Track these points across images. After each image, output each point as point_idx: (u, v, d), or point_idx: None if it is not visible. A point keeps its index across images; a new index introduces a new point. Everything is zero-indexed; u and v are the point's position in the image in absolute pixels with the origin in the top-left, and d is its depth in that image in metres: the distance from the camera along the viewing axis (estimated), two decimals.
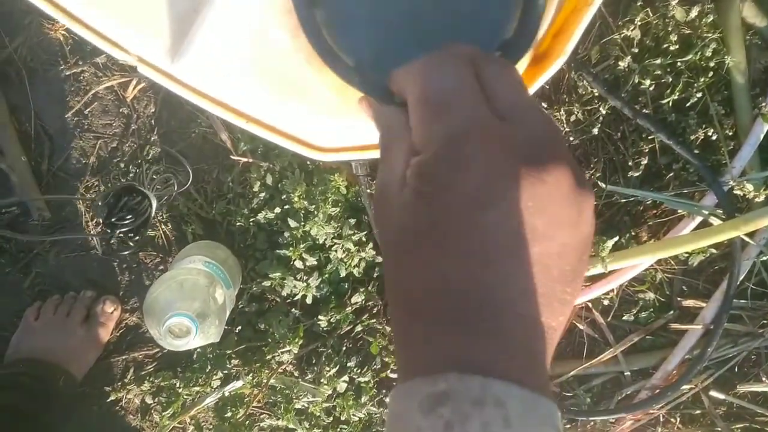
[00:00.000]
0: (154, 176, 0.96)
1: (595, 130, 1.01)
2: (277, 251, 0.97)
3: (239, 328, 1.02)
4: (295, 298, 1.00)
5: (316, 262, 0.97)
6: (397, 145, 0.30)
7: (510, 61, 0.35)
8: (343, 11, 0.36)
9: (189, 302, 0.74)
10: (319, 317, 0.99)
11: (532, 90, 0.41)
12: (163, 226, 1.01)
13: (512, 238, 0.24)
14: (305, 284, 0.96)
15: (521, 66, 0.39)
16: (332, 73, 0.36)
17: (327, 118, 0.41)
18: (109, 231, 0.84)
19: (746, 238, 0.98)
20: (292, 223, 0.93)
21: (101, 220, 0.84)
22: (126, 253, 0.87)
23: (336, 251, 0.95)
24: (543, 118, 0.26)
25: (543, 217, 0.24)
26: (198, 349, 0.99)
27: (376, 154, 0.43)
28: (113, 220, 0.83)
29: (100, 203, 0.85)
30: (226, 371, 1.00)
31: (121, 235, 0.86)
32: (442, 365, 0.24)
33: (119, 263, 1.04)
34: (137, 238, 0.84)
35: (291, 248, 0.95)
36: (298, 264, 0.96)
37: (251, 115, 0.41)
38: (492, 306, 0.24)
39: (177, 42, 0.41)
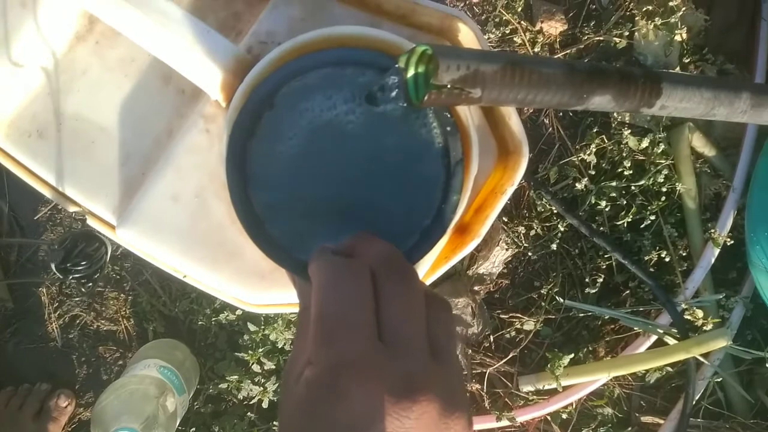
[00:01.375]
0: None
1: (554, 246, 1.04)
2: (237, 353, 0.97)
3: (193, 429, 1.01)
4: (252, 402, 0.99)
5: (274, 366, 0.97)
6: (304, 314, 0.32)
7: (415, 262, 0.38)
8: (272, 195, 0.38)
9: (137, 414, 0.74)
10: (275, 423, 0.98)
11: (450, 264, 0.43)
12: (125, 321, 1.01)
13: None
14: (262, 388, 0.96)
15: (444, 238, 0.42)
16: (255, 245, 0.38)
17: (260, 280, 0.43)
18: (62, 276, 0.84)
19: (701, 358, 0.99)
20: (252, 327, 0.94)
21: (54, 265, 0.84)
22: (77, 299, 0.86)
23: None
24: (420, 349, 0.28)
25: None
26: None
27: None
28: (68, 265, 0.84)
29: (56, 247, 0.85)
30: None
31: (74, 280, 0.86)
32: None
33: (78, 356, 1.03)
34: (90, 284, 0.84)
35: (250, 351, 0.95)
36: (256, 368, 0.96)
37: (188, 273, 0.43)
38: None
39: (123, 203, 0.44)
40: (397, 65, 0.38)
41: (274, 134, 0.38)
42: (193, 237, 0.42)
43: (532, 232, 1.05)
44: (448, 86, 0.35)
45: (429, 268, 0.43)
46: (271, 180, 0.39)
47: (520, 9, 1.06)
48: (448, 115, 0.39)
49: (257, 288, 0.43)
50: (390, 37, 0.40)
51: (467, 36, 0.43)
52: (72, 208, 0.45)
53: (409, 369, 0.27)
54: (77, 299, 1.03)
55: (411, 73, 0.37)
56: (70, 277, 0.84)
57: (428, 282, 0.44)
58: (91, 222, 0.45)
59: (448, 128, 0.39)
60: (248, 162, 0.38)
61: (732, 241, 1.00)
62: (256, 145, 0.38)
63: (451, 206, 0.38)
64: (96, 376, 1.04)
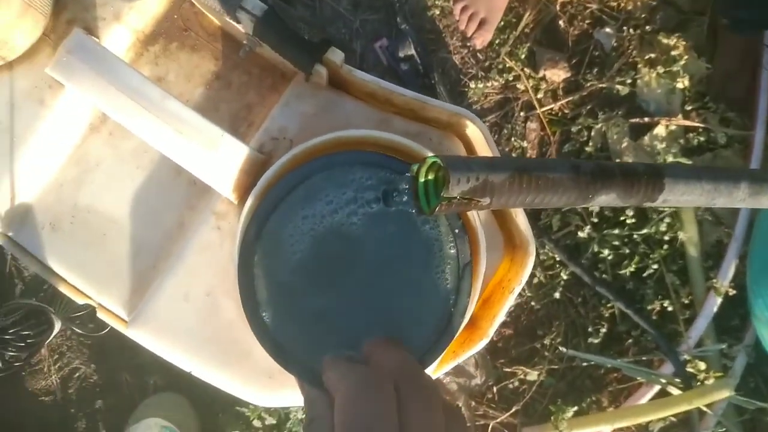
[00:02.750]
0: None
1: (557, 294, 1.04)
2: (237, 407, 0.97)
3: None
4: None
5: (275, 422, 0.96)
6: (318, 424, 0.32)
7: (427, 366, 0.38)
8: (279, 300, 0.38)
9: None
10: None
11: (458, 360, 0.43)
12: (126, 374, 1.00)
13: None
14: None
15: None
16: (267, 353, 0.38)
17: (269, 380, 0.43)
18: None
19: (704, 409, 0.99)
20: None
21: None
22: (2, 374, 0.86)
23: (296, 412, 0.95)
24: None
25: None
26: None
27: None
28: (6, 337, 0.83)
29: (4, 316, 0.84)
30: None
31: (12, 352, 0.85)
32: None
33: (77, 410, 1.02)
34: (25, 356, 0.84)
35: (251, 406, 0.94)
36: (257, 423, 0.95)
37: (198, 371, 0.43)
38: None
39: (134, 297, 0.44)
40: (408, 174, 0.38)
41: (280, 239, 0.38)
42: (203, 336, 0.42)
43: (535, 280, 1.05)
44: (458, 197, 0.35)
45: (437, 364, 0.43)
46: (277, 285, 0.39)
47: (523, 56, 1.07)
48: (457, 217, 0.39)
49: (266, 388, 0.43)
50: (400, 140, 0.40)
51: (474, 133, 0.43)
52: (82, 301, 0.45)
53: None
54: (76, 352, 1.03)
55: (422, 182, 0.38)
56: (6, 354, 0.83)
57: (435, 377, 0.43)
58: (101, 315, 0.45)
59: (456, 230, 0.39)
60: (257, 267, 0.38)
61: (734, 291, 1.01)
62: (263, 250, 0.38)
63: (460, 310, 0.38)
64: (95, 430, 1.03)
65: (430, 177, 0.38)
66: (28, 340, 0.82)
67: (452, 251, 0.39)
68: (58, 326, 0.86)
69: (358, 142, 0.41)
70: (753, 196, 0.45)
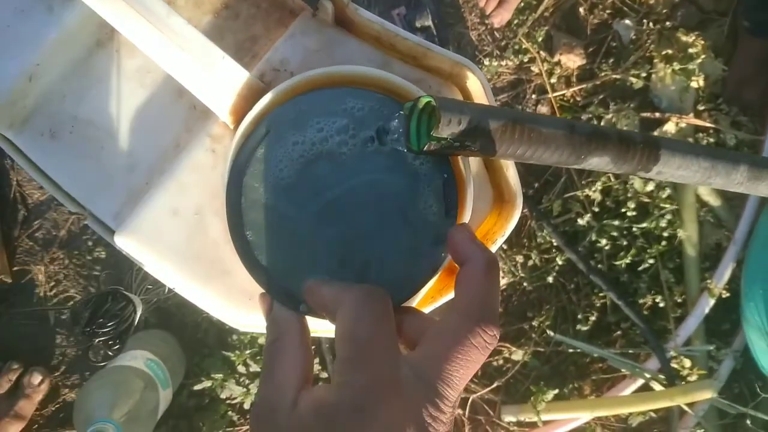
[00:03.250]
0: (145, 279, 0.96)
1: (550, 279, 1.05)
2: (224, 352, 0.98)
3: (175, 420, 1.02)
4: (234, 401, 1.00)
5: (260, 369, 0.98)
6: (288, 358, 0.33)
7: (405, 301, 0.39)
8: (265, 224, 0.39)
9: (119, 407, 0.75)
10: None
11: (436, 305, 0.44)
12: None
13: None
14: (245, 390, 0.97)
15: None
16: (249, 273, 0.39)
17: (247, 301, 0.44)
18: (88, 339, 0.82)
19: (685, 407, 0.99)
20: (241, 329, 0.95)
21: (81, 328, 0.82)
22: (103, 364, 0.84)
23: None
24: (448, 381, 0.29)
25: None
26: None
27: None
28: (93, 327, 0.82)
29: (81, 308, 0.83)
30: None
31: (101, 342, 0.84)
32: None
33: (68, 337, 1.04)
34: (117, 346, 0.83)
35: (237, 352, 0.96)
36: (242, 368, 0.97)
37: (179, 286, 0.44)
38: None
39: (125, 209, 0.45)
40: (401, 112, 0.39)
41: (269, 163, 0.39)
42: (188, 252, 0.43)
43: (530, 262, 1.05)
44: (448, 138, 0.35)
45: (415, 305, 0.43)
46: (263, 208, 0.39)
47: (540, 39, 1.07)
48: (447, 161, 0.39)
49: (245, 308, 0.44)
50: (398, 81, 0.41)
51: (474, 84, 0.44)
52: (73, 208, 0.46)
53: (432, 398, 0.28)
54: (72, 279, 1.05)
55: (414, 121, 0.38)
56: (96, 340, 0.81)
57: None
58: (90, 224, 0.46)
59: (445, 175, 0.39)
60: (245, 188, 0.39)
61: (728, 294, 1.00)
62: (253, 172, 0.39)
63: (441, 250, 0.39)
64: (83, 357, 1.05)
65: (423, 119, 0.38)
66: (115, 324, 0.82)
67: (439, 193, 0.39)
68: (137, 300, 0.86)
69: (357, 79, 0.41)
70: (752, 181, 0.45)
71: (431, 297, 0.45)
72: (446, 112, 0.35)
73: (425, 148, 0.37)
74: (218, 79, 0.41)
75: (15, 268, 1.04)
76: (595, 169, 0.41)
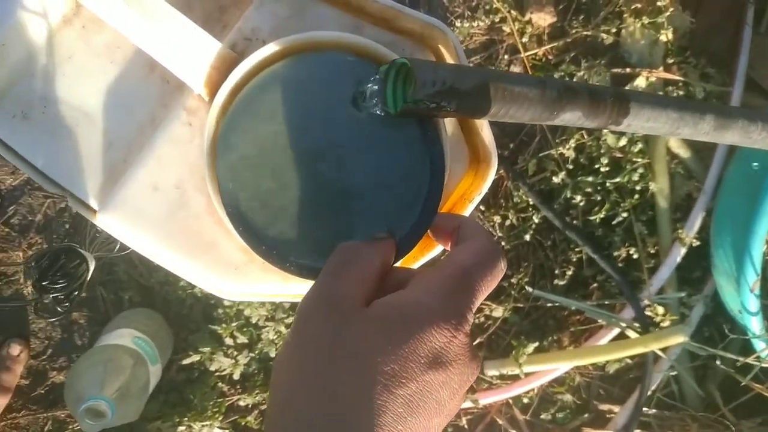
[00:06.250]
0: (97, 234, 0.96)
1: (528, 237, 1.07)
2: (211, 326, 0.99)
3: (166, 395, 1.03)
4: (223, 373, 1.02)
5: (246, 340, 0.99)
6: (361, 267, 0.33)
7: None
8: (248, 185, 0.40)
9: (110, 384, 0.76)
10: (244, 396, 1.01)
11: (418, 264, 0.45)
12: (101, 289, 1.02)
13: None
14: (234, 361, 0.98)
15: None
16: (238, 235, 0.40)
17: (233, 271, 0.44)
18: (38, 295, 0.82)
19: (659, 352, 1.04)
20: (227, 302, 0.96)
21: (32, 283, 0.81)
22: (52, 319, 0.84)
23: (268, 332, 0.98)
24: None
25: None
26: None
27: (280, 299, 0.47)
28: (45, 283, 0.81)
29: (33, 263, 0.83)
30: None
31: (51, 299, 0.84)
32: None
33: (51, 322, 1.04)
34: (67, 304, 0.83)
35: (224, 325, 0.97)
36: (229, 341, 0.98)
37: (165, 261, 0.44)
38: None
39: (105, 188, 0.45)
40: (377, 76, 0.39)
41: (249, 131, 0.39)
42: (171, 226, 0.44)
43: (508, 222, 1.07)
44: (424, 100, 0.36)
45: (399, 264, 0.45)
46: (246, 174, 0.40)
47: None
48: (428, 122, 0.40)
49: (231, 279, 0.45)
50: (371, 44, 0.41)
51: (447, 46, 0.44)
52: (53, 190, 0.46)
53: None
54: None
55: (390, 84, 0.39)
56: (48, 295, 0.81)
57: None
58: (72, 204, 0.46)
59: (429, 133, 0.40)
60: (225, 157, 0.40)
61: (699, 243, 1.04)
62: (232, 141, 0.40)
63: (419, 207, 0.40)
64: (70, 340, 1.05)
65: (399, 82, 0.39)
66: (67, 281, 0.80)
67: (417, 155, 0.40)
68: (90, 258, 0.84)
69: (330, 43, 0.42)
70: (718, 130, 0.47)
71: (413, 257, 0.46)
72: (422, 74, 0.36)
73: (402, 110, 0.37)
74: (190, 51, 0.41)
75: None
76: (568, 124, 0.42)
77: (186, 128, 0.44)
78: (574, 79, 1.07)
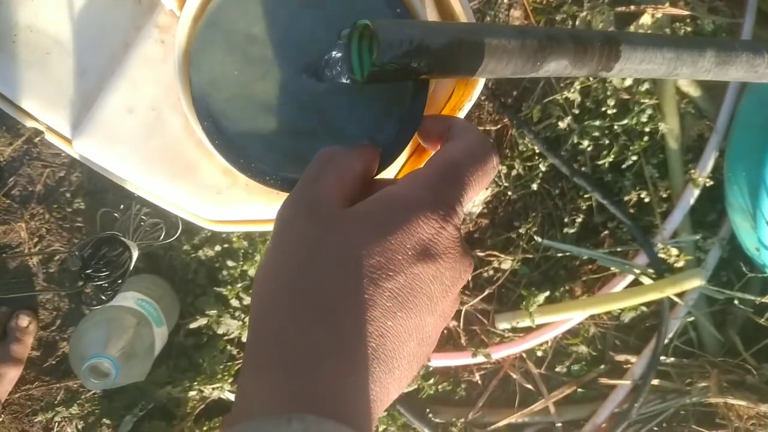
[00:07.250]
0: (141, 223, 0.94)
1: (535, 186, 1.04)
2: (216, 288, 0.98)
3: (176, 360, 1.03)
4: (231, 336, 1.01)
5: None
6: (337, 169, 0.31)
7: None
8: (223, 99, 0.38)
9: (114, 342, 0.75)
10: None
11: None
12: None
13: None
14: (241, 323, 0.97)
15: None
16: (219, 157, 0.38)
17: (216, 195, 0.43)
18: (82, 283, 0.81)
19: (675, 298, 1.01)
20: (231, 263, 0.95)
21: (76, 271, 0.80)
22: (97, 307, 0.83)
23: None
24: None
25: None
26: None
27: (265, 227, 0.46)
28: (89, 272, 0.80)
29: (77, 253, 0.81)
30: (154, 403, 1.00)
31: (94, 287, 0.83)
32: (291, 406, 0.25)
33: (57, 293, 1.04)
34: (110, 292, 0.82)
35: (229, 287, 0.96)
36: (235, 302, 0.97)
37: (145, 186, 0.43)
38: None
39: (81, 117, 0.43)
40: (340, 41, 0.36)
41: (220, 42, 0.37)
42: (149, 149, 0.42)
43: (514, 172, 1.05)
44: (392, 62, 0.33)
45: None
46: (220, 87, 0.38)
47: None
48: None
49: (214, 202, 0.43)
50: None
51: None
52: (30, 123, 0.44)
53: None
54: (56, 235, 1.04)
55: (354, 49, 0.36)
56: (91, 284, 0.80)
57: None
58: (49, 137, 0.44)
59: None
60: (197, 70, 0.38)
61: (712, 183, 1.01)
62: (204, 54, 0.38)
63: (401, 115, 0.38)
64: (77, 310, 1.05)
65: (364, 46, 0.36)
66: (110, 270, 0.80)
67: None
68: (134, 246, 0.84)
69: None
70: (719, 66, 0.42)
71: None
72: (386, 34, 0.32)
73: (370, 76, 0.34)
74: None
75: None
76: (554, 75, 0.39)
77: (158, 46, 0.42)
78: (577, 21, 1.04)
